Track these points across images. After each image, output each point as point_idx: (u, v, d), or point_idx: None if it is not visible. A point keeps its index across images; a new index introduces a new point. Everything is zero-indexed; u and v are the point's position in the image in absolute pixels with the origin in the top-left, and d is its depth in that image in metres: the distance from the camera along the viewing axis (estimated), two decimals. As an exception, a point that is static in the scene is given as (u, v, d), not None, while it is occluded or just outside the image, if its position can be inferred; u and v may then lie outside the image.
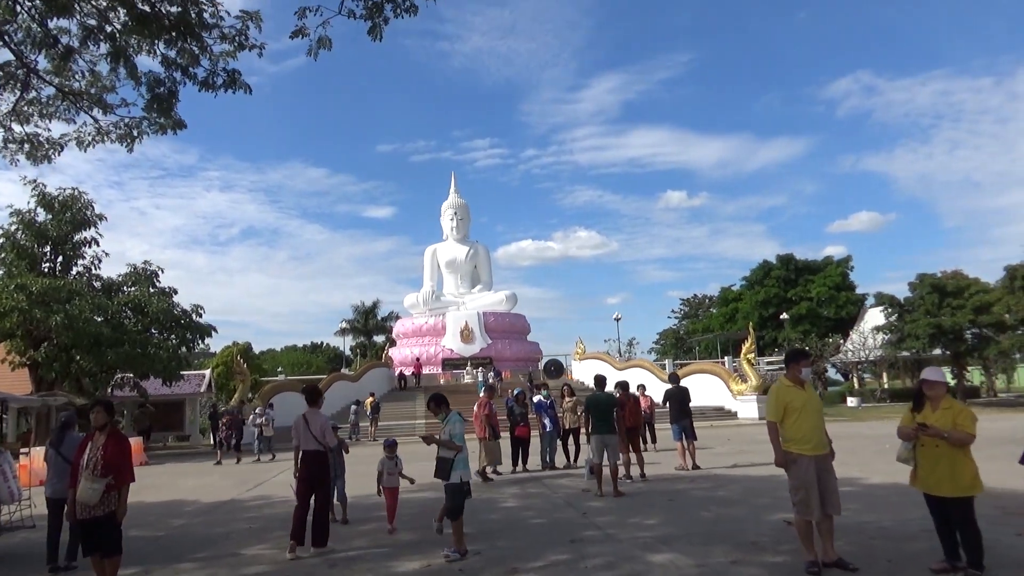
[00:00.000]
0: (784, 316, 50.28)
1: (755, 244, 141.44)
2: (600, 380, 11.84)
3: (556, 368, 45.08)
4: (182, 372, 29.01)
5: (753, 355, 31.86)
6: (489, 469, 13.26)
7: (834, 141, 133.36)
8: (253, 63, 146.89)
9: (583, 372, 42.02)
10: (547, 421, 14.33)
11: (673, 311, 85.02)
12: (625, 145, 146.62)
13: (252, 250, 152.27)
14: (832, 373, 53.12)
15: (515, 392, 14.54)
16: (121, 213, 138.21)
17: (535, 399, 14.65)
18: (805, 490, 6.01)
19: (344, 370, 46.86)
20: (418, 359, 44.38)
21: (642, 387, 18.32)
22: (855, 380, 48.67)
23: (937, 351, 39.18)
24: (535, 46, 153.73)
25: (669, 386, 14.01)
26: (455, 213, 57.35)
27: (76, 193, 26.39)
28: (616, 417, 10.98)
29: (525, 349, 51.50)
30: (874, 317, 50.28)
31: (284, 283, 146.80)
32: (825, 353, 47.62)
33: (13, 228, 25.26)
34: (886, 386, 46.57)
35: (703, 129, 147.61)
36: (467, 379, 41.24)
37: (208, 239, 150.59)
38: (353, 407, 28.53)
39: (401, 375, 40.68)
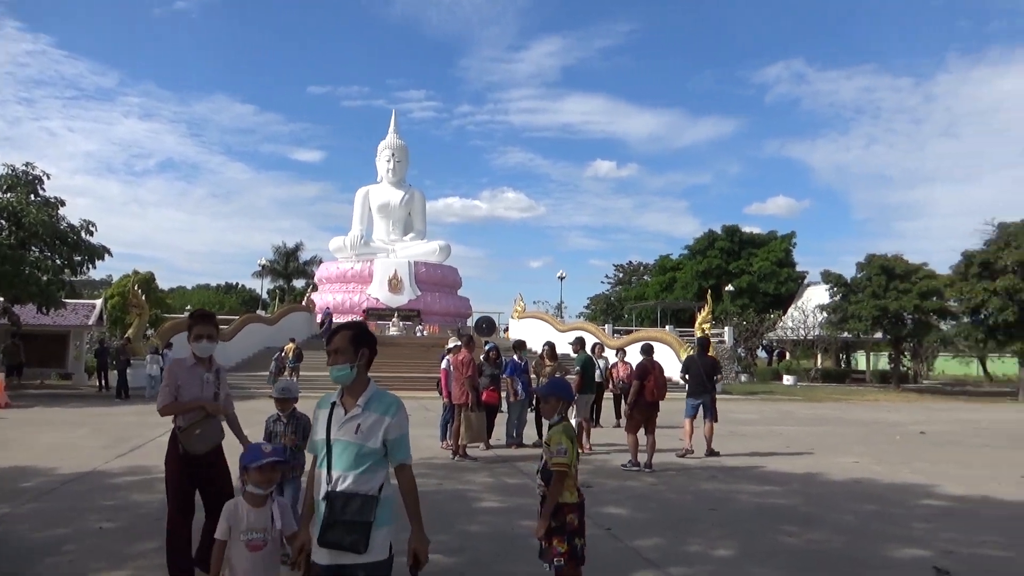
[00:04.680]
0: (729, 288, 48.87)
1: (677, 220, 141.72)
2: (581, 342, 12.45)
3: (488, 325, 42.36)
4: (66, 299, 24.82)
5: (709, 325, 29.79)
6: (469, 447, 10.45)
7: (762, 125, 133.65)
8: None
9: (521, 331, 39.45)
10: (520, 387, 11.44)
11: (607, 276, 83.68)
12: (560, 110, 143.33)
13: (169, 184, 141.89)
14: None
15: (487, 347, 11.50)
16: (30, 132, 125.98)
17: (509, 359, 11.64)
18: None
19: (260, 312, 42.72)
20: (366, 310, 41.02)
21: (623, 352, 15.63)
22: (788, 358, 48.01)
23: (878, 334, 38.53)
24: (479, 0, 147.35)
25: (691, 352, 11.35)
26: (392, 154, 53.17)
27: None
28: (636, 389, 8.67)
29: (455, 304, 48.50)
30: (814, 295, 49.73)
31: (201, 220, 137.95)
32: (761, 329, 46.72)
33: None
34: (819, 366, 46.10)
35: (638, 101, 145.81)
36: (392, 331, 38.11)
37: (123, 168, 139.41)
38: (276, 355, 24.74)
39: (328, 319, 36.61)
